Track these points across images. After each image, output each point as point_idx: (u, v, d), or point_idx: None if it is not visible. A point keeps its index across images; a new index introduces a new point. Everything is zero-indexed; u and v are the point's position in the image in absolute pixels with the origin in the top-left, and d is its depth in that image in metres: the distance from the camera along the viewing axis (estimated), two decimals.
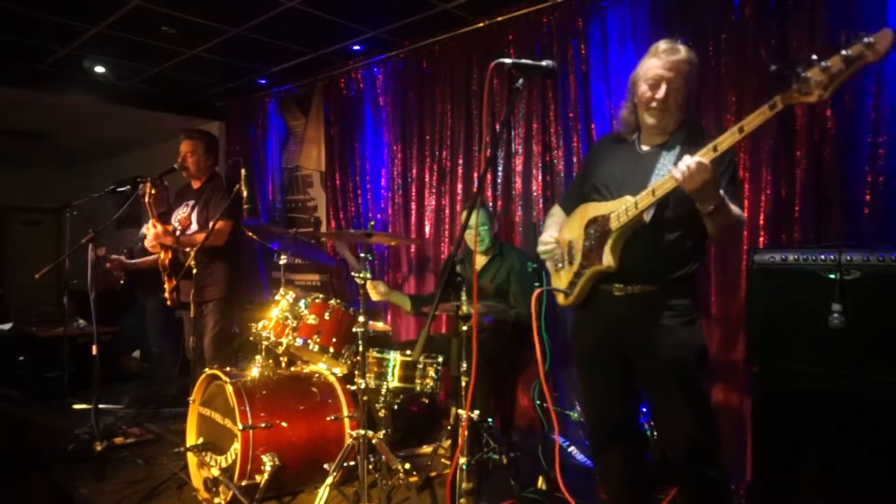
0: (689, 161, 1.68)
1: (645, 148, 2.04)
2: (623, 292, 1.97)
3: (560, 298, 2.14)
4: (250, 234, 3.63)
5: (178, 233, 3.63)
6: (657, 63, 1.93)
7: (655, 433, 2.71)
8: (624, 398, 2.12)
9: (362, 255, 2.78)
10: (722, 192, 1.77)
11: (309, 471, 2.77)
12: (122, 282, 4.57)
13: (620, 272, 1.94)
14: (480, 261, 3.52)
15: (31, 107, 5.79)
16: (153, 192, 3.39)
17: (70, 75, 5.17)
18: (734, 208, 1.83)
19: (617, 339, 2.03)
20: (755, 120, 1.61)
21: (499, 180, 4.02)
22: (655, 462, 2.66)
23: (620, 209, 1.90)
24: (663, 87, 1.91)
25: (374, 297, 3.38)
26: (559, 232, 2.19)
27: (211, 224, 3.24)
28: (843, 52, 1.41)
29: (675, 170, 1.71)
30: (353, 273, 2.78)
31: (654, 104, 1.94)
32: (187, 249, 3.44)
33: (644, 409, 2.56)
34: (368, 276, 2.74)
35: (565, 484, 2.66)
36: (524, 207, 3.90)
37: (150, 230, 3.43)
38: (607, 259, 1.93)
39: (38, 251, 8.39)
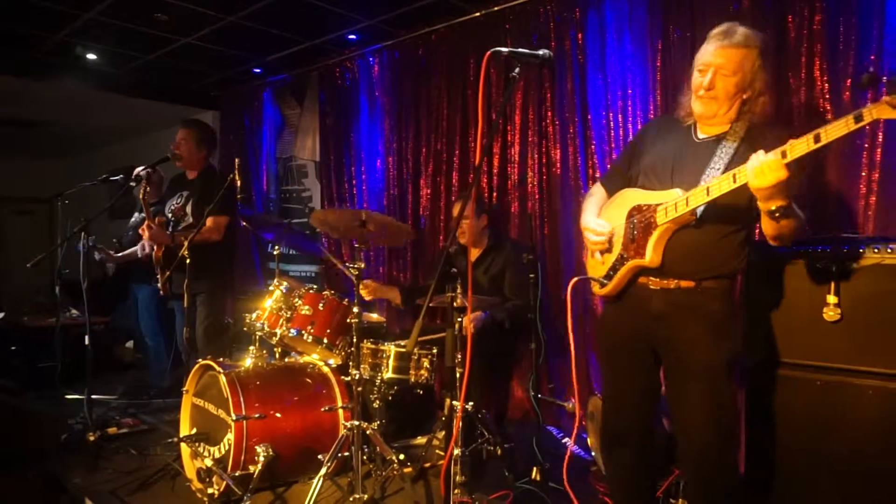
0: (763, 158, 1.55)
1: (702, 136, 1.94)
2: (659, 286, 1.89)
3: (595, 288, 2.05)
4: (245, 223, 3.61)
5: (170, 225, 3.60)
6: (709, 49, 1.84)
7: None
8: (643, 397, 2.05)
9: (356, 245, 2.76)
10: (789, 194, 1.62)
11: (303, 462, 2.76)
12: (110, 270, 4.55)
13: (660, 267, 1.87)
14: (475, 253, 3.51)
15: (23, 96, 5.73)
16: (148, 189, 3.35)
17: (62, 63, 5.11)
18: (799, 212, 1.71)
19: (646, 333, 1.96)
20: (835, 131, 1.46)
21: (495, 171, 4.00)
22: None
23: (669, 203, 1.81)
24: (709, 75, 1.82)
25: (367, 296, 3.36)
26: (599, 215, 2.08)
27: (204, 219, 3.21)
28: None
29: (748, 165, 1.58)
30: (346, 265, 2.77)
31: (700, 92, 1.85)
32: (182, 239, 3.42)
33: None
34: (362, 265, 2.72)
35: (561, 475, 2.66)
36: (520, 198, 3.89)
37: (146, 231, 3.40)
38: (650, 254, 1.85)
39: (30, 241, 8.34)
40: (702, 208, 1.80)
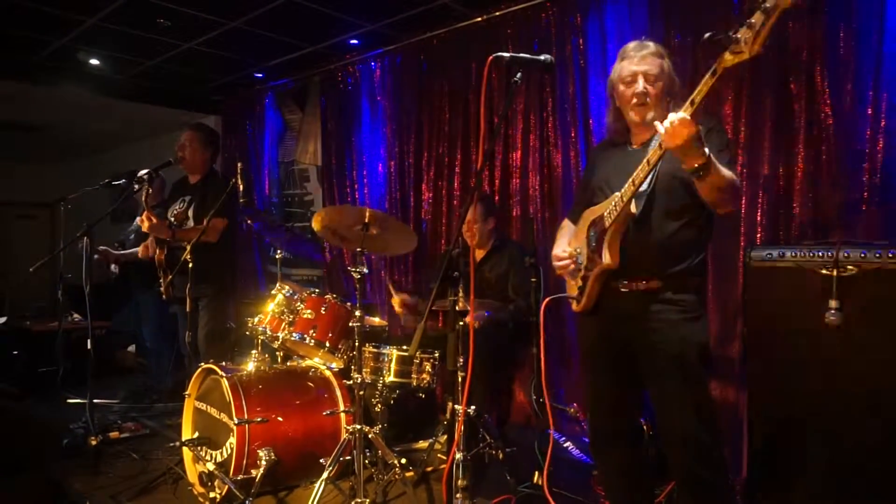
0: (672, 117, 1.67)
1: (635, 146, 2.07)
2: (628, 288, 1.98)
3: (574, 306, 2.14)
4: (249, 220, 3.61)
5: (174, 227, 3.60)
6: (629, 62, 1.99)
7: (651, 431, 2.72)
8: (627, 399, 2.11)
9: (358, 249, 2.76)
10: (707, 150, 1.73)
11: (305, 465, 2.76)
12: (114, 272, 4.55)
13: (623, 269, 1.95)
14: (479, 253, 3.52)
15: (25, 100, 5.75)
16: (150, 191, 3.36)
17: (65, 68, 5.13)
18: (724, 169, 1.79)
19: (622, 335, 2.02)
20: (702, 91, 1.65)
21: (496, 175, 4.01)
22: (652, 457, 2.66)
23: (611, 205, 1.94)
24: (640, 81, 1.96)
25: (398, 308, 3.41)
26: (569, 244, 2.20)
27: (206, 220, 3.21)
28: (763, 5, 1.48)
29: (658, 125, 1.70)
30: (349, 268, 2.77)
31: (634, 100, 1.97)
32: (184, 244, 3.42)
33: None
34: (364, 269, 2.72)
35: (561, 479, 2.67)
36: (521, 202, 3.90)
37: (145, 222, 3.39)
38: (606, 257, 1.95)
39: (32, 245, 8.34)
40: (642, 203, 1.92)
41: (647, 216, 1.94)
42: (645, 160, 1.81)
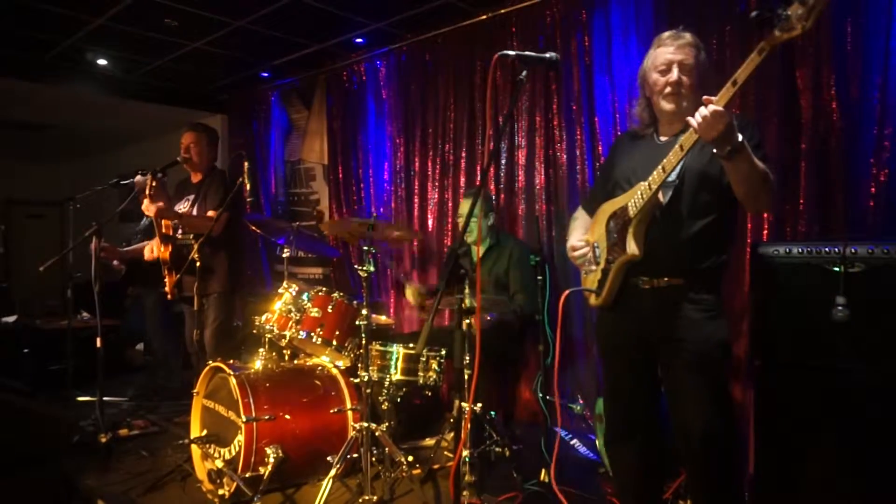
0: (703, 111, 1.65)
1: (663, 138, 2.02)
2: (649, 285, 1.95)
3: (591, 300, 2.11)
4: (254, 228, 3.62)
5: (177, 228, 3.61)
6: (665, 49, 1.93)
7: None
8: (646, 394, 2.09)
9: (365, 248, 2.77)
10: (740, 136, 1.68)
11: (312, 463, 2.78)
12: (121, 270, 4.56)
13: (646, 264, 1.92)
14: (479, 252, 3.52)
15: (33, 100, 5.79)
16: (154, 184, 3.37)
17: (72, 68, 5.17)
18: (756, 160, 1.75)
19: (642, 332, 2.00)
20: (746, 69, 1.62)
21: (502, 173, 4.01)
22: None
23: (636, 195, 1.90)
24: (675, 70, 1.90)
25: (412, 299, 3.40)
26: (585, 235, 2.17)
27: (216, 213, 3.21)
28: None
29: (691, 120, 1.68)
30: (356, 266, 2.78)
31: (668, 89, 1.92)
32: (189, 238, 3.43)
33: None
34: (372, 269, 2.74)
35: (568, 477, 2.67)
36: (527, 201, 3.90)
37: (152, 207, 3.37)
38: (631, 247, 1.91)
39: (42, 244, 8.40)
40: (669, 194, 1.89)
41: (673, 210, 1.90)
42: (678, 145, 1.78)
